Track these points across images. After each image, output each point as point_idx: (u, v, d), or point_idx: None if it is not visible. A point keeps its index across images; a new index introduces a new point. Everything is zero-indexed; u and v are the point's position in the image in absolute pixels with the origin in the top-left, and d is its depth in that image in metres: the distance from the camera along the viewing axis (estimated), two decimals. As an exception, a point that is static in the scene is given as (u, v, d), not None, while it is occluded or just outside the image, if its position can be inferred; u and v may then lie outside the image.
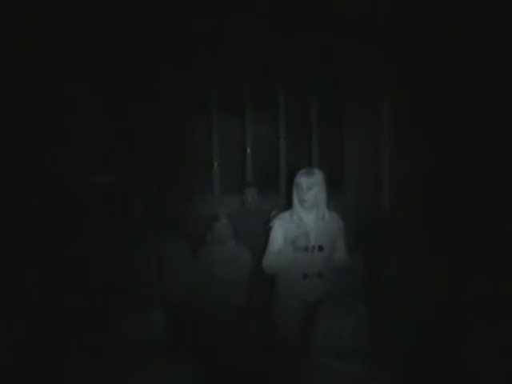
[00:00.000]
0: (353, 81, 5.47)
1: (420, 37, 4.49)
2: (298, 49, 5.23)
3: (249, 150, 5.74)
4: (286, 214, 3.18)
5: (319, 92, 5.73)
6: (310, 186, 3.06)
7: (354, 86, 5.47)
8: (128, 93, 5.10)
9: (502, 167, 3.84)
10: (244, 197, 4.78)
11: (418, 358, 2.76)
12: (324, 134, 5.80)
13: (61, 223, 4.18)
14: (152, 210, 4.31)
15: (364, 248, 3.86)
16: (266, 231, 3.22)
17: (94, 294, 3.39)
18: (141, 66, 5.03)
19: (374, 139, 5.49)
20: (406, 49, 4.67)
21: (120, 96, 5.12)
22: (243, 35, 5.07)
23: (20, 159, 4.17)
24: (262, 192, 4.85)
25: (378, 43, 4.92)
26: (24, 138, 4.22)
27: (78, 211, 4.46)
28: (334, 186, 3.60)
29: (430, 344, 2.87)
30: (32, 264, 3.62)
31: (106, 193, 4.89)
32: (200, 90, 5.54)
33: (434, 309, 3.21)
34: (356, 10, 4.90)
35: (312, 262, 3.05)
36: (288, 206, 3.24)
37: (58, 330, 3.11)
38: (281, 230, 3.13)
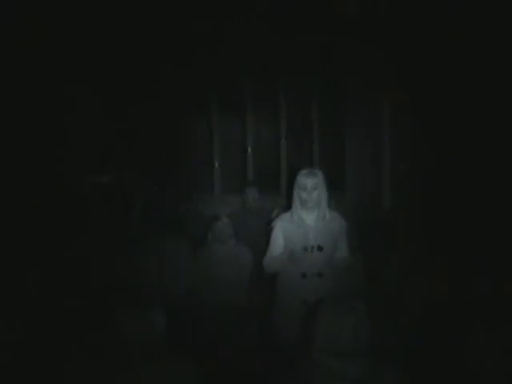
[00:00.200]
0: (353, 81, 5.46)
1: (420, 37, 4.49)
2: (298, 49, 5.23)
3: (249, 150, 5.75)
4: (287, 215, 3.18)
5: (319, 92, 5.73)
6: (315, 186, 3.08)
7: (353, 86, 5.46)
8: (128, 93, 5.10)
9: (502, 167, 3.84)
10: (245, 197, 4.79)
11: (418, 358, 2.76)
12: (324, 134, 5.80)
13: (61, 223, 4.18)
14: (152, 209, 4.31)
15: (364, 248, 3.85)
16: (267, 231, 3.23)
17: (93, 294, 3.39)
18: (141, 66, 5.04)
19: (373, 139, 5.49)
20: (406, 49, 4.67)
21: (120, 96, 5.12)
22: (243, 35, 5.07)
23: (20, 159, 4.17)
24: (262, 192, 4.86)
25: (378, 43, 4.91)
26: (24, 138, 4.22)
27: (77, 211, 4.46)
28: (334, 187, 3.61)
29: (430, 344, 2.87)
30: (32, 264, 3.62)
31: (105, 193, 4.89)
32: (200, 89, 5.54)
33: (434, 309, 3.21)
34: (356, 10, 4.90)
35: (311, 262, 3.05)
36: (289, 206, 3.25)
37: (57, 330, 3.11)
38: (281, 231, 3.14)
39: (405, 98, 4.99)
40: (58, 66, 4.49)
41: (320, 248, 3.05)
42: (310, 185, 3.07)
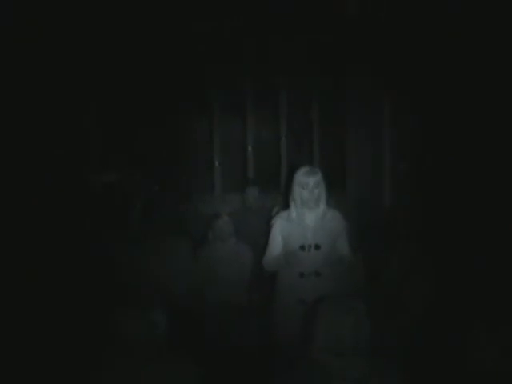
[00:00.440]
0: (353, 81, 5.47)
1: (420, 37, 4.48)
2: (298, 49, 5.23)
3: (250, 148, 5.75)
4: (285, 213, 3.18)
5: (319, 92, 5.74)
6: (316, 184, 3.07)
7: (353, 86, 5.47)
8: (128, 93, 5.10)
9: (503, 167, 3.83)
10: (245, 196, 4.82)
11: (418, 358, 2.76)
12: (324, 134, 5.80)
13: (61, 223, 4.18)
14: (152, 209, 4.31)
15: (364, 248, 3.85)
16: (267, 230, 3.23)
17: (94, 294, 3.39)
18: (141, 66, 5.04)
19: (373, 139, 5.49)
20: (406, 49, 4.66)
21: (120, 96, 5.12)
22: (243, 35, 5.07)
23: (20, 159, 4.17)
24: (262, 191, 4.88)
25: (378, 43, 4.91)
26: (24, 138, 4.22)
27: (77, 211, 4.46)
28: (334, 186, 3.60)
29: (430, 344, 2.87)
30: (32, 264, 3.62)
31: (106, 193, 4.90)
32: (200, 89, 5.55)
33: (434, 309, 3.21)
34: (356, 10, 4.89)
35: (309, 261, 3.04)
36: (286, 204, 3.24)
37: (57, 330, 3.11)
38: (279, 230, 3.14)
39: (405, 98, 4.99)
40: (58, 65, 4.49)
41: (317, 247, 3.04)
42: (312, 183, 3.06)
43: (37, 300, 3.32)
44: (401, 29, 4.66)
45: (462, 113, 4.16)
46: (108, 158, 5.19)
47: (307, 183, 3.07)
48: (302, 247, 3.04)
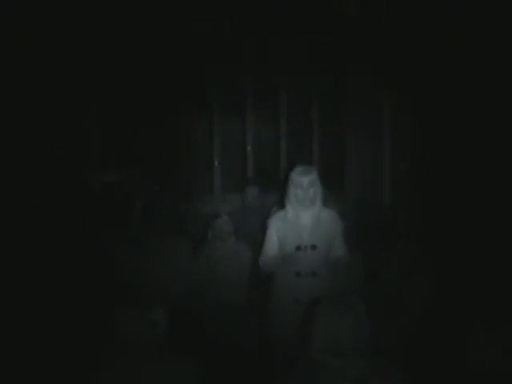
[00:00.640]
0: (353, 81, 5.47)
1: (420, 37, 4.48)
2: (298, 49, 5.23)
3: (249, 147, 5.76)
4: (281, 213, 3.18)
5: (319, 92, 5.74)
6: (311, 184, 3.07)
7: (353, 86, 5.47)
8: (128, 93, 5.10)
9: (503, 166, 3.83)
10: (244, 195, 4.83)
11: (418, 358, 2.76)
12: (324, 134, 5.81)
13: (61, 223, 4.18)
14: (152, 209, 4.31)
15: (364, 248, 3.85)
16: (265, 229, 3.23)
17: (94, 294, 3.39)
18: (141, 66, 5.04)
19: (374, 139, 5.49)
20: (406, 49, 4.66)
21: (120, 96, 5.12)
22: (243, 35, 5.07)
23: (20, 159, 4.17)
24: (262, 191, 4.88)
25: (378, 43, 4.91)
26: (24, 138, 4.22)
27: (77, 211, 4.46)
28: (334, 186, 3.61)
29: (430, 344, 2.87)
30: (32, 264, 3.62)
31: (105, 193, 4.90)
32: (200, 89, 5.55)
33: (434, 309, 3.21)
34: (356, 10, 4.89)
35: (305, 261, 3.03)
36: (282, 204, 3.23)
37: (58, 330, 3.11)
38: (275, 230, 3.14)
39: (405, 98, 4.99)
40: (58, 65, 4.49)
41: (313, 247, 3.04)
42: (306, 182, 3.06)
43: (37, 300, 3.32)
44: (401, 29, 4.66)
45: (462, 113, 4.16)
46: (108, 157, 5.19)
47: (302, 182, 3.06)
48: (298, 248, 3.03)
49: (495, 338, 1.93)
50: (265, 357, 3.18)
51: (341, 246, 3.17)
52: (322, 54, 5.30)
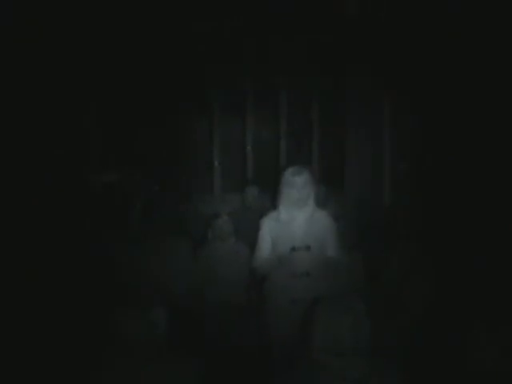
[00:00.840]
0: (353, 81, 5.46)
1: (420, 37, 4.48)
2: (298, 49, 5.23)
3: (249, 147, 5.76)
4: (274, 214, 3.18)
5: (319, 92, 5.74)
6: (304, 184, 3.06)
7: (353, 86, 5.47)
8: (128, 93, 5.10)
9: (502, 166, 3.83)
10: (244, 195, 4.83)
11: (418, 358, 2.76)
12: (324, 134, 5.81)
13: (61, 223, 4.18)
14: (152, 209, 4.31)
15: (364, 248, 3.85)
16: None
17: (94, 294, 3.39)
18: (141, 66, 5.04)
19: (374, 139, 5.49)
20: (406, 49, 4.66)
21: (120, 96, 5.12)
22: (243, 35, 5.07)
23: (20, 159, 4.17)
24: (262, 191, 4.88)
25: (378, 43, 4.91)
26: (24, 138, 4.22)
27: (77, 211, 4.46)
28: (333, 186, 3.61)
29: (430, 344, 2.87)
30: (32, 264, 3.62)
31: (105, 193, 4.90)
32: (200, 89, 5.55)
33: (434, 309, 3.21)
34: (356, 10, 4.89)
35: (299, 262, 3.03)
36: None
37: (58, 330, 3.11)
38: (268, 230, 3.14)
39: (405, 98, 4.99)
40: (58, 65, 4.49)
41: (307, 247, 3.04)
42: (299, 182, 3.06)
43: (37, 300, 3.32)
44: (401, 29, 4.66)
45: (462, 113, 4.16)
46: (108, 157, 5.19)
47: (295, 183, 3.06)
48: (293, 249, 3.02)
49: (495, 337, 1.93)
50: (265, 357, 3.18)
51: (333, 247, 3.16)
52: (322, 54, 5.30)
